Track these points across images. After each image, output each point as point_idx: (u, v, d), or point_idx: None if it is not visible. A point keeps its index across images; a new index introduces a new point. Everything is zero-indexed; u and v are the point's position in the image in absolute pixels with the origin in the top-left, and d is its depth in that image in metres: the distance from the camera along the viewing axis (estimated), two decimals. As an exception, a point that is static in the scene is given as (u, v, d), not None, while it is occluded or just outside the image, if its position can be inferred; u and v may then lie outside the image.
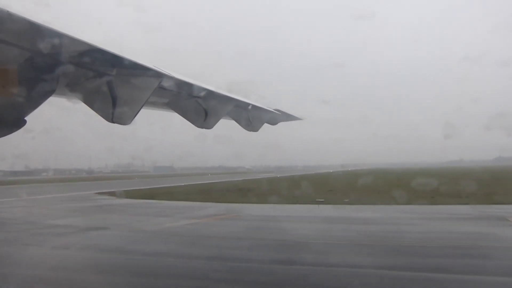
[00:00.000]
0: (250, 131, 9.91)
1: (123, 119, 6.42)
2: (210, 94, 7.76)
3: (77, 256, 10.02)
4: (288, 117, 10.72)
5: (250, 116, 9.61)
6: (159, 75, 6.19)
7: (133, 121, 6.62)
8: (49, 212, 20.77)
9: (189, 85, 7.27)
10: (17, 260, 9.52)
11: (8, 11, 3.85)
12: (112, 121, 6.34)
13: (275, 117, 10.44)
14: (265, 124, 10.33)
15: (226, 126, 9.95)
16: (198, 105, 7.99)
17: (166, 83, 6.76)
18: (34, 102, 5.18)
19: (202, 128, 8.32)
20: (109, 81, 6.03)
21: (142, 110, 6.49)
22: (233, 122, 9.66)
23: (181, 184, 44.64)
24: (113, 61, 5.57)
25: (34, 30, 4.29)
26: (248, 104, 8.89)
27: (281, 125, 11.06)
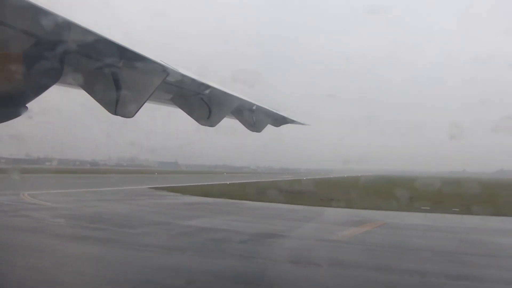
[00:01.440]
0: (253, 131, 9.87)
1: (127, 112, 6.38)
2: (215, 92, 7.71)
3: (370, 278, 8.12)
4: (292, 121, 10.64)
5: (254, 117, 9.58)
6: (165, 69, 6.15)
7: (136, 115, 6.62)
8: (149, 209, 19.13)
9: (194, 82, 7.23)
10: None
11: None
12: (115, 113, 6.31)
13: (279, 119, 10.40)
14: (268, 125, 10.30)
15: (229, 125, 9.88)
16: (202, 102, 7.95)
17: (171, 78, 6.73)
18: (37, 89, 5.13)
19: (205, 125, 8.25)
20: (115, 73, 5.99)
21: (145, 104, 6.48)
22: (236, 121, 9.63)
23: (224, 182, 44.02)
24: (120, 53, 5.53)
25: (42, 16, 4.26)
26: (253, 104, 8.85)
27: (283, 127, 10.95)
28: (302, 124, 11.15)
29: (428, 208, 20.86)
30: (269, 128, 10.45)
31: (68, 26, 4.54)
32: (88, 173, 65.24)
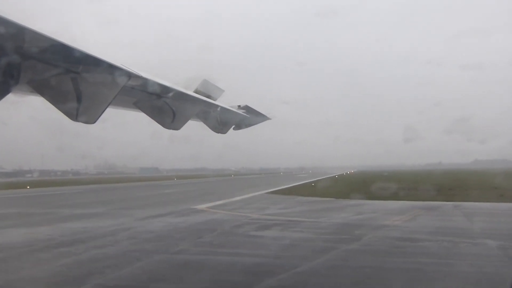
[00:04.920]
0: (218, 133, 9.99)
1: (88, 118, 6.41)
2: (179, 94, 7.76)
3: None
4: (256, 115, 10.64)
5: (219, 118, 9.72)
6: (126, 74, 6.16)
7: (98, 121, 6.66)
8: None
9: (157, 85, 7.26)
10: None
11: None
12: (76, 120, 6.33)
13: (244, 120, 10.52)
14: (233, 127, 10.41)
15: (194, 128, 9.92)
16: (166, 106, 7.97)
17: (133, 82, 6.78)
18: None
19: (170, 129, 8.25)
20: (74, 79, 5.95)
21: (108, 109, 6.53)
22: (201, 123, 9.74)
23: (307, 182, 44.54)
24: (79, 58, 5.52)
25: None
26: (217, 106, 8.98)
27: (249, 128, 11.00)
28: (266, 118, 11.03)
29: None
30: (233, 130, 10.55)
31: (22, 31, 4.54)
32: (104, 182, 62.89)
